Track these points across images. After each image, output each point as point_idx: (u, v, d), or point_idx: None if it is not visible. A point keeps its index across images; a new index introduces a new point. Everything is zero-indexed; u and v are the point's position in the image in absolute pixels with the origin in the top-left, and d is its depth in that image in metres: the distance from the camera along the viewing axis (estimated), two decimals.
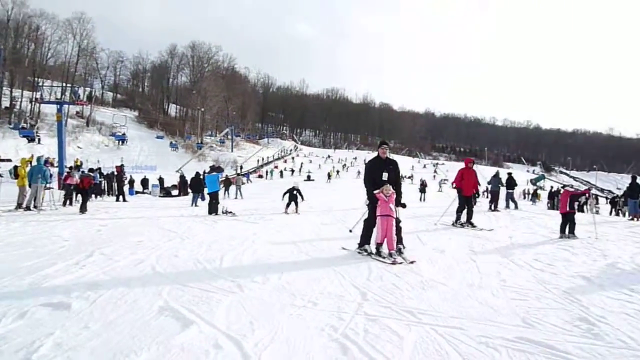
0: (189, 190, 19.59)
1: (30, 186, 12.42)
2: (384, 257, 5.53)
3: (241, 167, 51.52)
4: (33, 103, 50.25)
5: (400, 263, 5.36)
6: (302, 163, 63.63)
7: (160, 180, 28.24)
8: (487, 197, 20.05)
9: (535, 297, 4.06)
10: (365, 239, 6.08)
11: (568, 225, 8.48)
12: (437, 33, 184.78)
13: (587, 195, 10.28)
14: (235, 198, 21.11)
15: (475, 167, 10.50)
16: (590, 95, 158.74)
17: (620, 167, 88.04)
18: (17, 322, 3.11)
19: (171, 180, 30.04)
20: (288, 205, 12.71)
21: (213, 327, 3.07)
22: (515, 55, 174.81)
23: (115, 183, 20.33)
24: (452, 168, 63.80)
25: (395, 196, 5.91)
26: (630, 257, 6.28)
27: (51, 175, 13.67)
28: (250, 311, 3.45)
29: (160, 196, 24.27)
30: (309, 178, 44.16)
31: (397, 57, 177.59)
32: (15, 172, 12.24)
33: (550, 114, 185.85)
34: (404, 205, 6.32)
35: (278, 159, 69.08)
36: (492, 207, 14.93)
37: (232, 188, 23.55)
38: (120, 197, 18.61)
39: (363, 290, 4.11)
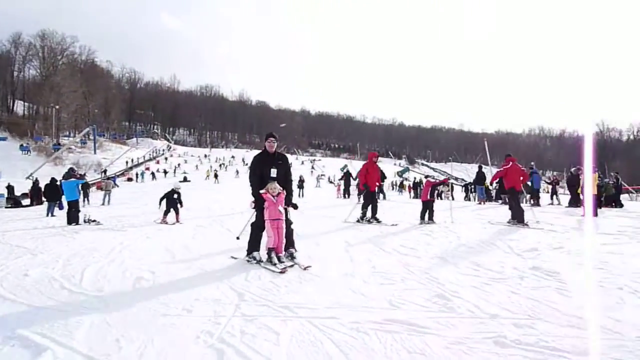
0: (44, 198, 17.32)
1: None
2: (275, 264, 5.05)
3: (105, 171, 47.20)
4: None
5: (289, 266, 5.01)
6: (178, 164, 60.62)
7: (10, 188, 24.46)
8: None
9: (401, 280, 4.44)
10: (253, 245, 5.47)
11: (428, 212, 9.43)
12: (310, 31, 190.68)
13: (446, 183, 11.61)
14: (103, 204, 19.28)
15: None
16: (443, 96, 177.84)
17: (470, 158, 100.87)
18: None
19: (21, 188, 26.27)
20: (167, 212, 10.93)
21: (72, 351, 2.76)
22: (381, 56, 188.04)
23: None
24: (328, 164, 66.59)
25: (284, 195, 5.41)
26: (476, 236, 7.28)
27: None
28: (117, 327, 3.16)
29: (6, 207, 21.11)
30: (185, 179, 42.17)
31: (271, 54, 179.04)
32: None
33: (411, 112, 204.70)
34: (295, 206, 5.76)
35: (149, 159, 64.69)
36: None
37: (98, 194, 21.44)
38: None
39: (240, 292, 4.05)
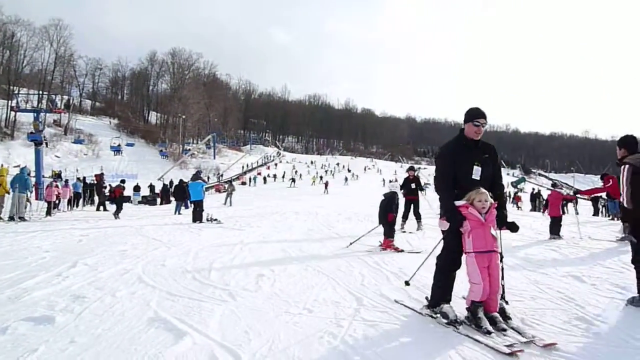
0: (172, 198, 19.31)
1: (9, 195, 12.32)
2: (488, 332, 2.93)
3: (221, 175, 51.10)
4: (8, 111, 49.00)
5: (521, 345, 2.78)
6: (294, 168, 63.41)
7: (151, 187, 27.76)
8: None
9: (530, 298, 4.04)
10: (442, 292, 3.40)
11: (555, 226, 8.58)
12: (418, 39, 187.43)
13: (575, 200, 10.63)
14: (225, 204, 20.84)
15: None
16: (567, 99, 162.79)
17: (597, 169, 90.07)
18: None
19: (150, 188, 29.61)
20: (405, 218, 9.77)
21: (207, 338, 2.94)
22: (494, 60, 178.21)
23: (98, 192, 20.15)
24: (434, 172, 64.51)
25: (496, 211, 3.28)
26: (613, 255, 6.38)
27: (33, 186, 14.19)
28: (245, 320, 3.32)
29: (139, 202, 23.93)
30: (292, 183, 44.32)
31: (377, 63, 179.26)
32: None
33: (528, 118, 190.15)
34: (514, 228, 3.41)
35: (261, 165, 68.63)
36: None
37: (217, 196, 23.27)
38: (101, 207, 18.26)
39: (358, 296, 4.02)
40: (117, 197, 15.79)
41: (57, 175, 25.15)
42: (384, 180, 52.11)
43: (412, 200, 9.86)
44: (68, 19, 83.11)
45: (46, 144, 40.70)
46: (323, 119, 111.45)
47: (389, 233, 7.06)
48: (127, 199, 17.54)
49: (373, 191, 34.46)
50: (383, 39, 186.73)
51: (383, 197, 7.53)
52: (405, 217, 9.67)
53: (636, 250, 3.77)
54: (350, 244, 7.14)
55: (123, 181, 17.60)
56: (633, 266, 3.79)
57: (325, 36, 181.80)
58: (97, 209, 18.01)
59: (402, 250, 6.77)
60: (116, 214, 14.12)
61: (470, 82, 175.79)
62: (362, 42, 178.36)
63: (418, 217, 9.82)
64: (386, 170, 65.43)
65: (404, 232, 9.07)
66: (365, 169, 72.07)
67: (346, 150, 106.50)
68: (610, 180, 9.45)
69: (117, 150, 52.60)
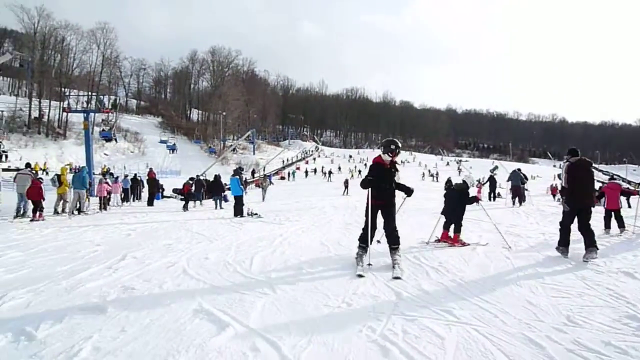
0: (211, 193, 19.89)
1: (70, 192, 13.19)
2: None
3: (254, 171, 51.96)
4: (61, 112, 51.80)
5: None
6: (333, 162, 63.50)
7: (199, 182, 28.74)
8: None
9: (578, 295, 3.90)
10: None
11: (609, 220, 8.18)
12: (454, 28, 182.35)
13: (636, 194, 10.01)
14: (262, 201, 21.18)
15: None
16: (618, 87, 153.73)
17: None
18: (56, 326, 3.13)
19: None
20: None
21: (249, 329, 3.03)
22: (539, 47, 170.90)
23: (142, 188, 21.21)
24: (475, 165, 62.81)
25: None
26: None
27: (90, 183, 15.34)
28: (285, 312, 3.40)
29: (181, 199, 24.72)
30: (330, 174, 45.01)
31: (414, 54, 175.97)
32: (59, 180, 12.79)
33: (576, 107, 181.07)
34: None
35: (300, 160, 69.06)
36: (516, 203, 15.07)
37: (257, 190, 23.62)
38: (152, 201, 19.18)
39: (397, 290, 4.01)
40: (186, 193, 17.99)
41: (107, 172, 26.33)
42: (423, 174, 51.29)
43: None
44: (113, 22, 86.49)
45: (115, 140, 43.07)
46: (361, 112, 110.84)
47: (459, 228, 6.88)
48: (194, 196, 18.63)
49: (412, 185, 34.03)
50: (420, 30, 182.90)
51: (450, 189, 7.42)
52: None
53: None
54: (427, 243, 6.89)
55: (192, 179, 19.50)
56: None
57: (361, 28, 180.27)
58: (148, 204, 18.85)
59: (469, 244, 6.64)
60: (185, 207, 15.72)
61: (514, 71, 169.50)
62: (399, 34, 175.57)
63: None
64: (427, 164, 64.12)
65: None
66: (403, 163, 71.00)
67: None
68: None
69: (172, 148, 55.04)
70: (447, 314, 3.35)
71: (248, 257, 5.69)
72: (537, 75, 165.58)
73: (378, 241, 6.01)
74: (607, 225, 8.15)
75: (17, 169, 22.53)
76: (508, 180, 16.41)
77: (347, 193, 26.35)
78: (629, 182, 50.67)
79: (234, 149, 60.12)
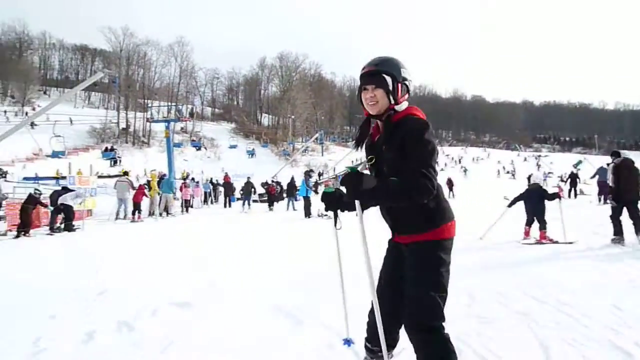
0: (284, 195, 20.65)
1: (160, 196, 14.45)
2: None
3: (321, 173, 52.49)
4: (144, 122, 56.30)
5: None
6: None
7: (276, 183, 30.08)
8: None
9: None
10: None
11: None
12: (528, 16, 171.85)
13: None
14: None
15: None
16: None
17: None
18: (152, 318, 3.48)
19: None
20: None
21: (326, 328, 3.13)
22: (625, 31, 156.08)
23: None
24: (556, 160, 58.85)
25: None
26: None
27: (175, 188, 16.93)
28: (355, 313, 3.48)
29: (254, 201, 25.78)
30: None
31: (485, 48, 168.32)
32: (149, 185, 14.17)
33: None
34: None
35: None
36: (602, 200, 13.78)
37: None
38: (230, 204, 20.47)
39: (470, 291, 3.92)
40: (271, 195, 19.78)
41: (187, 177, 28.22)
42: (498, 171, 49.07)
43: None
44: (189, 36, 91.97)
45: (205, 148, 46.42)
46: (430, 109, 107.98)
47: (544, 225, 6.82)
48: (278, 198, 19.91)
49: (488, 184, 32.70)
50: (487, 23, 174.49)
51: (531, 187, 7.31)
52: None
53: None
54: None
55: (278, 183, 21.31)
56: None
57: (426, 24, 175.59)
58: (225, 206, 20.04)
59: (557, 242, 6.49)
60: (270, 206, 17.71)
61: (598, 58, 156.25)
62: (468, 26, 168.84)
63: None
64: (503, 161, 61.13)
65: None
66: (475, 160, 68.17)
67: (455, 140, 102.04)
68: None
69: (251, 153, 57.60)
70: (524, 316, 3.23)
71: (319, 257, 5.82)
72: (624, 61, 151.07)
73: None
74: None
75: (117, 175, 25.01)
76: (593, 177, 15.25)
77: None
78: None
79: (304, 150, 61.32)
